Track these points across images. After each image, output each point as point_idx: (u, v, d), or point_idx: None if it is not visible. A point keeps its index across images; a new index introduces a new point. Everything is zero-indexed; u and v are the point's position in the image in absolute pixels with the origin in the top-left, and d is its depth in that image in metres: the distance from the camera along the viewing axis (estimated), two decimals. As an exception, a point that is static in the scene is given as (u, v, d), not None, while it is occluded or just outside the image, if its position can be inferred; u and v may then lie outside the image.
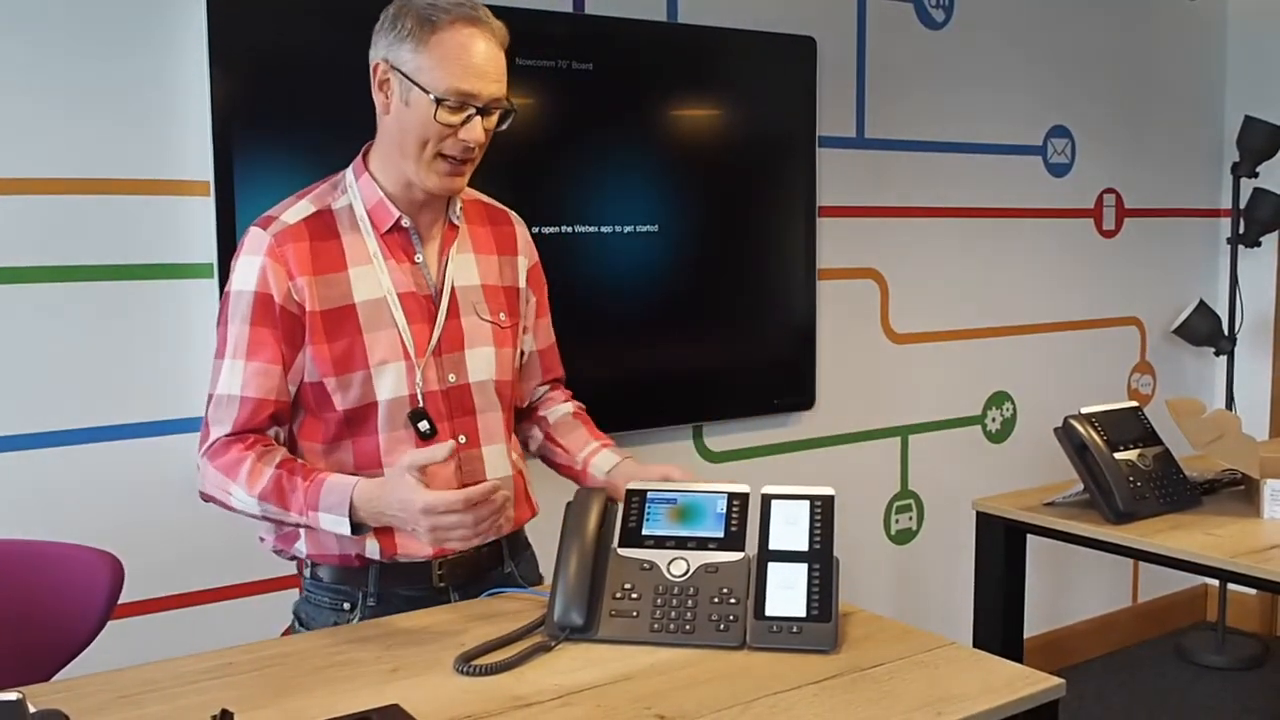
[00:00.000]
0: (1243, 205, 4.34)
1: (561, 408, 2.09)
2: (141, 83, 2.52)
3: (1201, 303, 4.41)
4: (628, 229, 3.12)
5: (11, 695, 0.85)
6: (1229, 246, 4.43)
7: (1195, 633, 4.60)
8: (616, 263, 3.11)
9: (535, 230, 2.15)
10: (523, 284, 2.00)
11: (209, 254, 2.58)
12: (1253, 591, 4.29)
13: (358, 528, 1.73)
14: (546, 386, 2.11)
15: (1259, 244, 4.38)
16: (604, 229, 3.08)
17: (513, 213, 2.05)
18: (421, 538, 1.69)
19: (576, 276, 2.99)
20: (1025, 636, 3.46)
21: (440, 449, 1.67)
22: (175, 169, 2.57)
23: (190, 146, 2.57)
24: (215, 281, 2.57)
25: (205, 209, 2.57)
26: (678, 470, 1.87)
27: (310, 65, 2.65)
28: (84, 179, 2.48)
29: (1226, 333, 4.40)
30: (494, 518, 1.67)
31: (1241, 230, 4.37)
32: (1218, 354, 4.46)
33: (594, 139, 3.05)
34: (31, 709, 1.11)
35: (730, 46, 3.29)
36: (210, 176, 2.56)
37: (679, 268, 3.22)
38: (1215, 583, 4.60)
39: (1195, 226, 4.57)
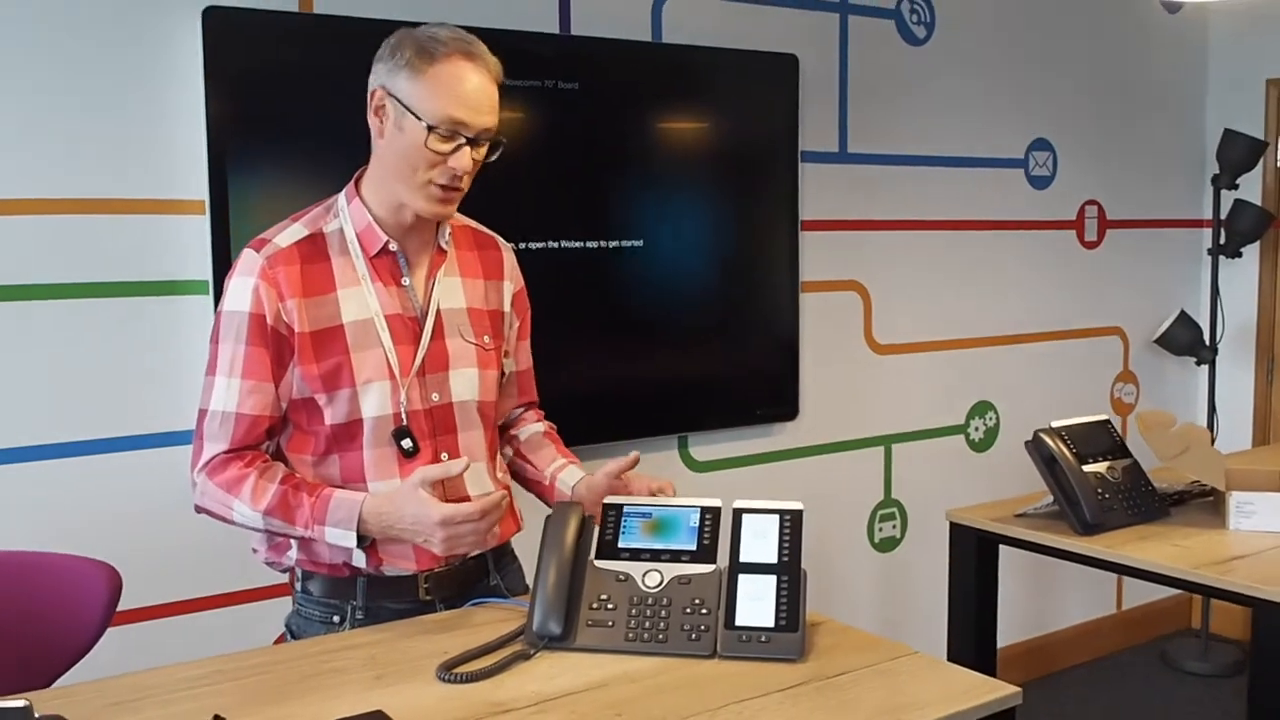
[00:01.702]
0: (1223, 216, 4.42)
1: (533, 427, 2.16)
2: (139, 106, 2.59)
3: (1183, 313, 4.47)
4: (613, 244, 3.18)
5: (19, 701, 0.91)
6: (1210, 257, 4.50)
7: (1179, 640, 4.66)
8: (602, 277, 3.18)
9: (523, 246, 2.21)
10: (507, 308, 2.06)
11: (204, 271, 2.65)
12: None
13: (361, 540, 1.82)
14: (522, 408, 2.18)
15: (1239, 254, 4.45)
16: (590, 244, 3.14)
17: (500, 238, 2.11)
18: (435, 548, 1.80)
19: (564, 291, 3.06)
20: (1010, 644, 3.52)
21: (455, 464, 1.82)
22: (171, 189, 2.64)
23: (186, 167, 2.64)
24: (210, 298, 2.64)
25: (200, 227, 2.64)
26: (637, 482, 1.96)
27: (302, 89, 2.72)
28: (83, 199, 2.55)
29: (1207, 342, 4.47)
30: (498, 520, 1.83)
31: (1222, 241, 4.44)
32: (1199, 363, 4.53)
33: (580, 157, 3.12)
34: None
35: (714, 65, 3.35)
36: (205, 196, 2.63)
37: (664, 282, 3.29)
38: (1198, 589, 4.67)
39: (1177, 237, 4.64)
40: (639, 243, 3.22)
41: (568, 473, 2.08)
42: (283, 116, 2.72)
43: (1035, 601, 4.32)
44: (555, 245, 3.08)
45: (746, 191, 3.44)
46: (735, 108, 3.41)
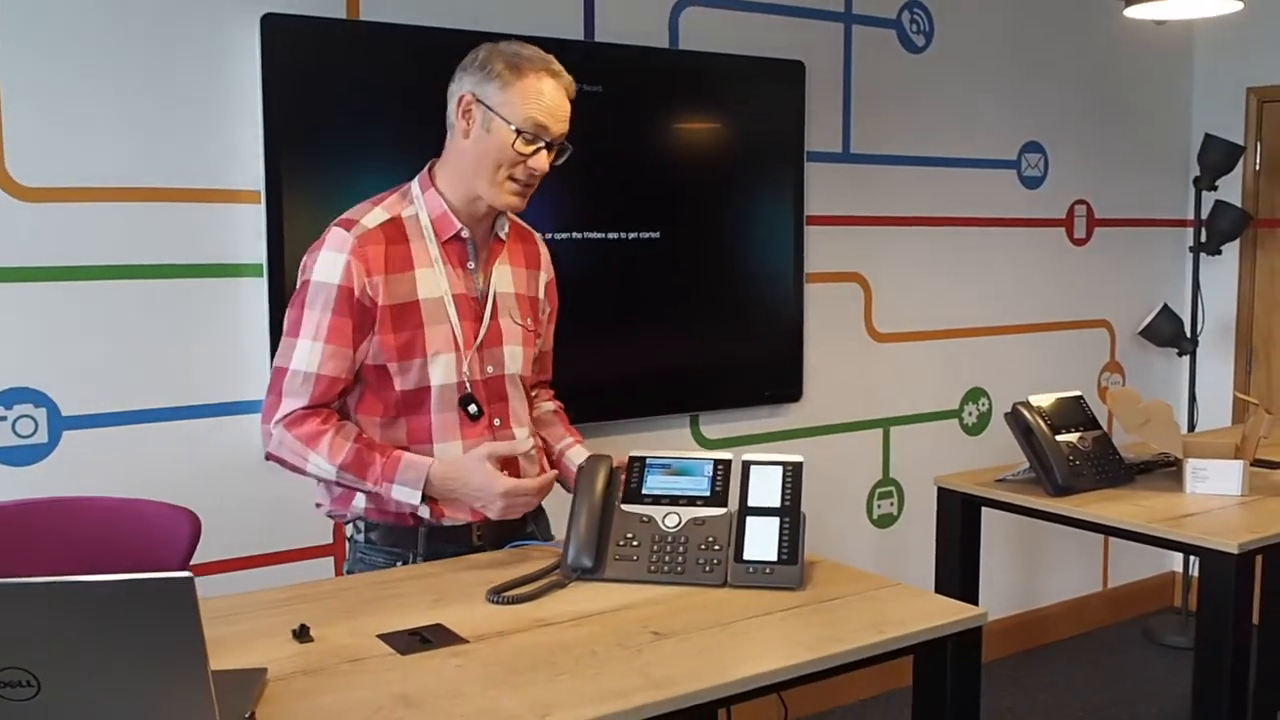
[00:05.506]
0: (1204, 216, 4.67)
1: (545, 405, 2.43)
2: (203, 105, 2.85)
3: (1166, 307, 4.72)
4: (632, 235, 3.44)
5: (184, 573, 1.13)
6: (1191, 255, 4.76)
7: (1161, 616, 4.91)
8: (622, 266, 3.43)
9: (549, 236, 2.46)
10: (541, 295, 2.34)
11: (259, 255, 2.90)
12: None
13: (424, 499, 2.08)
14: (539, 385, 2.43)
15: (1219, 252, 4.69)
16: (611, 235, 3.40)
17: (537, 233, 2.38)
18: (492, 513, 2.08)
19: (586, 279, 3.30)
20: (1002, 616, 3.73)
21: (521, 444, 2.12)
22: (231, 180, 2.89)
23: (244, 160, 2.89)
24: (264, 280, 2.89)
25: (256, 215, 2.90)
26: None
27: (349, 88, 2.97)
28: (153, 188, 2.80)
29: (1189, 334, 4.72)
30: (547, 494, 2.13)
31: (1203, 239, 4.69)
32: (1180, 354, 4.78)
33: (603, 154, 3.36)
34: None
35: (726, 70, 3.60)
36: (261, 187, 2.89)
37: (678, 271, 3.54)
38: (1180, 570, 4.92)
39: (1161, 236, 4.89)
40: (656, 234, 3.47)
41: (575, 451, 2.34)
42: (331, 114, 2.96)
43: (1026, 578, 4.57)
44: (579, 236, 3.34)
45: (756, 188, 3.69)
46: (746, 110, 3.66)
